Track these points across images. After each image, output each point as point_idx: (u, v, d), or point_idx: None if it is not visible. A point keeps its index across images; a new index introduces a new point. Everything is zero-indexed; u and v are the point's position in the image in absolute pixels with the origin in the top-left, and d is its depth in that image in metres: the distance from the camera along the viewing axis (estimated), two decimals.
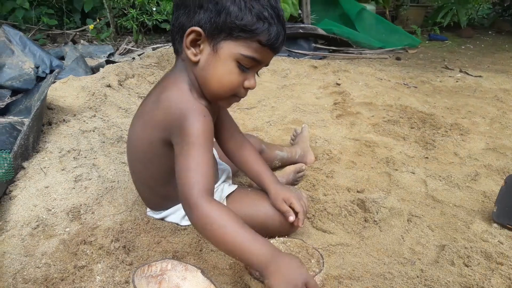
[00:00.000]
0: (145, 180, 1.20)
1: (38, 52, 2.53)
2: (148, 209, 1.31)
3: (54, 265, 1.08)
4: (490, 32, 6.01)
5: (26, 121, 1.57)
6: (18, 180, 1.41)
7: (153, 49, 3.52)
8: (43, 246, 1.15)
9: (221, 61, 0.98)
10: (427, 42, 5.27)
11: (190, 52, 1.00)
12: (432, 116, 2.26)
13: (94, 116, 1.88)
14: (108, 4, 3.84)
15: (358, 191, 1.54)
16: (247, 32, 0.94)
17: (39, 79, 2.40)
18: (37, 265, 1.08)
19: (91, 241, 1.17)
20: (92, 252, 1.13)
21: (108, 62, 2.86)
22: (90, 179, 1.46)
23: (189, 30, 0.96)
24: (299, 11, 4.57)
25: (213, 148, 1.35)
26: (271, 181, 1.23)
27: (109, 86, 2.20)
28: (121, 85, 2.31)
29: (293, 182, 1.56)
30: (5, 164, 1.38)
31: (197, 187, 0.92)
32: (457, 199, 1.53)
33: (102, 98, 2.06)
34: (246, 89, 1.05)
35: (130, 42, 3.93)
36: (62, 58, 2.94)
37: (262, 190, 1.26)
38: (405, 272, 1.12)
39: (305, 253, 1.09)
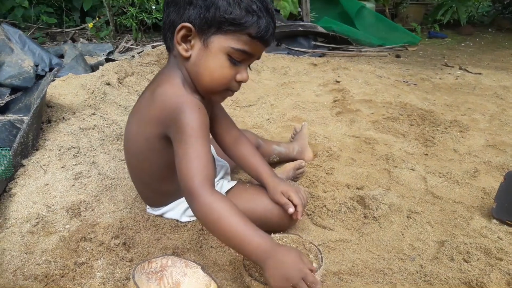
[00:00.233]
0: (142, 177, 1.21)
1: (37, 50, 2.53)
2: (147, 206, 1.31)
3: (54, 262, 1.08)
4: (490, 30, 6.00)
5: (26, 119, 1.57)
6: (18, 177, 1.41)
7: (153, 47, 3.52)
8: (43, 243, 1.15)
9: (212, 56, 0.99)
10: (426, 39, 5.27)
11: (181, 48, 1.01)
12: (431, 113, 2.26)
13: (94, 114, 1.88)
14: (107, 2, 3.83)
15: (357, 188, 1.54)
16: (236, 26, 0.95)
17: (39, 77, 2.40)
18: (37, 262, 1.08)
19: (91, 238, 1.17)
20: (92, 249, 1.13)
21: (107, 60, 2.85)
22: (90, 177, 1.46)
23: (179, 26, 0.98)
24: (299, 9, 4.57)
25: (211, 145, 1.35)
26: (269, 174, 1.24)
27: (108, 84, 2.20)
28: (120, 83, 2.30)
29: (293, 179, 1.57)
30: (5, 162, 1.39)
31: (199, 177, 0.93)
32: (456, 195, 1.53)
33: (102, 96, 2.06)
34: (239, 82, 1.06)
35: (129, 40, 3.93)
36: (61, 56, 2.94)
37: (261, 185, 1.26)
38: (404, 268, 1.13)
39: (302, 248, 1.09)
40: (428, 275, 1.09)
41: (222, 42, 0.98)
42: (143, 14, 3.73)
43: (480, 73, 3.32)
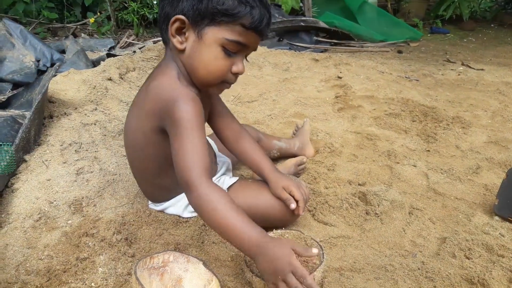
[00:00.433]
0: (142, 171, 1.21)
1: (39, 45, 2.52)
2: (149, 202, 1.31)
3: (57, 257, 1.08)
4: (492, 25, 5.96)
5: (28, 114, 1.57)
6: (20, 173, 1.42)
7: (154, 42, 3.51)
8: (45, 238, 1.16)
9: (206, 47, 0.99)
10: (429, 35, 5.25)
11: (175, 40, 1.01)
12: (433, 109, 2.25)
13: (95, 109, 1.88)
14: None
15: (359, 184, 1.54)
16: (229, 16, 0.95)
17: (40, 72, 2.40)
18: (39, 257, 1.08)
19: (93, 233, 1.17)
20: (94, 244, 1.13)
21: (109, 55, 2.85)
22: (91, 172, 1.47)
23: (173, 18, 0.98)
24: (301, 4, 4.55)
25: (212, 141, 1.35)
26: (271, 170, 1.23)
27: (110, 79, 2.19)
28: (122, 78, 2.30)
29: (294, 175, 1.56)
30: (7, 157, 1.39)
31: (196, 168, 0.94)
32: (458, 192, 1.53)
33: (103, 92, 2.06)
34: (235, 74, 1.05)
35: (131, 35, 3.92)
36: (63, 51, 2.93)
37: (262, 181, 1.26)
38: (406, 264, 1.13)
39: (304, 244, 1.09)
40: (430, 271, 1.09)
41: (216, 34, 0.97)
42: (145, 9, 3.72)
43: (482, 69, 3.31)
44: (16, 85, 2.30)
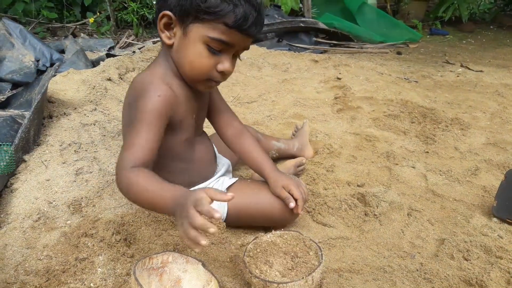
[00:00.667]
0: None
1: (38, 45, 2.52)
2: None
3: (56, 257, 1.08)
4: (491, 27, 5.97)
5: (27, 114, 1.57)
6: (19, 173, 1.42)
7: (154, 42, 3.51)
8: (44, 238, 1.16)
9: (190, 44, 1.00)
10: (428, 36, 5.25)
11: (164, 36, 1.03)
12: (432, 111, 2.26)
13: (95, 109, 1.88)
14: None
15: (358, 185, 1.54)
16: (211, 14, 0.95)
17: (40, 72, 2.40)
18: (38, 257, 1.08)
19: (92, 234, 1.17)
20: (93, 245, 1.13)
21: (108, 55, 2.85)
22: (91, 172, 1.47)
23: (161, 14, 1.00)
24: (300, 5, 4.55)
25: (212, 144, 1.35)
26: (271, 168, 1.24)
27: (109, 79, 2.19)
28: (121, 79, 2.30)
29: None
30: (6, 157, 1.39)
31: (130, 160, 0.94)
32: (457, 193, 1.53)
33: (103, 92, 2.06)
34: (221, 73, 1.05)
35: (130, 35, 3.92)
36: (62, 51, 2.93)
37: (262, 181, 1.26)
38: (404, 265, 1.13)
39: (303, 245, 1.09)
40: (428, 273, 1.09)
41: (199, 31, 0.98)
42: (144, 9, 3.72)
43: (481, 71, 3.31)
44: (15, 85, 2.30)
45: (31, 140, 1.54)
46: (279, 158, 1.69)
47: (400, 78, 3.01)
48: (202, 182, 1.26)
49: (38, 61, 2.45)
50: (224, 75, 1.06)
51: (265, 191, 1.22)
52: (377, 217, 1.34)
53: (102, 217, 1.26)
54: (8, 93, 2.20)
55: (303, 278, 0.93)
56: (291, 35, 4.08)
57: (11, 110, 1.95)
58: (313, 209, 1.38)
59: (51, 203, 1.30)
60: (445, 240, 1.23)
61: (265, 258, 1.08)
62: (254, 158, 1.27)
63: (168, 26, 1.02)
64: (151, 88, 1.02)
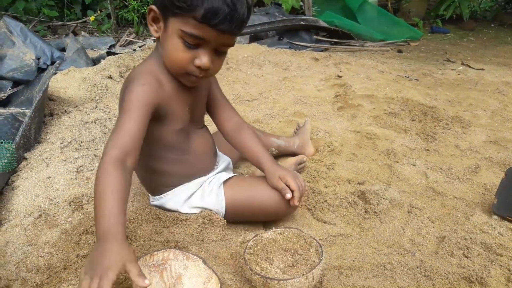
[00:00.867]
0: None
1: (39, 43, 2.53)
2: (150, 198, 1.31)
3: (57, 254, 1.09)
4: (492, 25, 5.96)
5: (28, 112, 1.57)
6: (21, 170, 1.42)
7: (154, 40, 3.51)
8: (45, 235, 1.16)
9: (169, 38, 1.03)
10: (429, 34, 5.24)
11: (152, 29, 1.08)
12: (433, 109, 2.26)
13: (96, 107, 1.89)
14: None
15: (359, 183, 1.54)
16: (181, 9, 0.97)
17: (40, 70, 2.41)
18: (40, 254, 1.09)
19: (93, 231, 1.17)
20: (94, 242, 1.13)
21: (109, 53, 2.85)
22: (91, 170, 1.47)
23: (148, 8, 1.04)
24: (301, 3, 4.55)
25: (213, 140, 1.35)
26: (269, 161, 1.25)
27: (110, 77, 2.20)
28: (122, 77, 2.30)
29: None
30: (8, 155, 1.39)
31: (114, 145, 0.95)
32: (457, 191, 1.53)
33: (103, 90, 2.06)
34: (199, 68, 1.05)
35: (131, 33, 3.92)
36: (63, 49, 2.94)
37: (259, 176, 1.27)
38: (405, 262, 1.13)
39: (303, 242, 1.10)
40: (428, 270, 1.09)
41: (175, 25, 1.00)
42: (145, 7, 3.72)
43: (482, 69, 3.31)
44: (16, 83, 2.31)
45: (32, 138, 1.54)
46: (279, 155, 1.70)
47: (401, 76, 3.00)
48: (200, 176, 1.26)
49: (38, 59, 2.45)
50: (203, 70, 1.06)
51: (261, 184, 1.23)
52: (377, 215, 1.35)
53: None
54: (9, 91, 2.20)
55: (303, 275, 0.94)
56: (291, 33, 4.08)
57: (12, 108, 1.95)
58: (314, 206, 1.38)
59: (52, 200, 1.30)
60: (445, 237, 1.23)
61: (265, 255, 1.08)
62: (252, 151, 1.28)
63: (156, 20, 1.05)
64: (136, 78, 1.05)
